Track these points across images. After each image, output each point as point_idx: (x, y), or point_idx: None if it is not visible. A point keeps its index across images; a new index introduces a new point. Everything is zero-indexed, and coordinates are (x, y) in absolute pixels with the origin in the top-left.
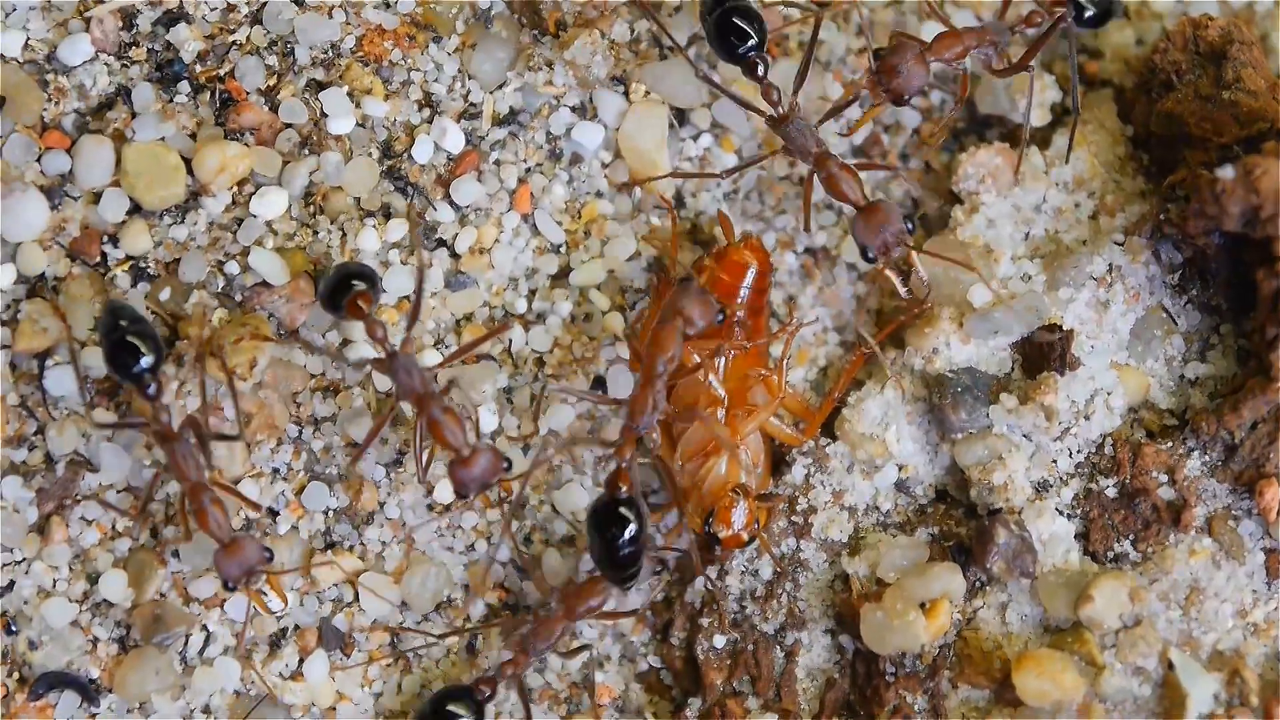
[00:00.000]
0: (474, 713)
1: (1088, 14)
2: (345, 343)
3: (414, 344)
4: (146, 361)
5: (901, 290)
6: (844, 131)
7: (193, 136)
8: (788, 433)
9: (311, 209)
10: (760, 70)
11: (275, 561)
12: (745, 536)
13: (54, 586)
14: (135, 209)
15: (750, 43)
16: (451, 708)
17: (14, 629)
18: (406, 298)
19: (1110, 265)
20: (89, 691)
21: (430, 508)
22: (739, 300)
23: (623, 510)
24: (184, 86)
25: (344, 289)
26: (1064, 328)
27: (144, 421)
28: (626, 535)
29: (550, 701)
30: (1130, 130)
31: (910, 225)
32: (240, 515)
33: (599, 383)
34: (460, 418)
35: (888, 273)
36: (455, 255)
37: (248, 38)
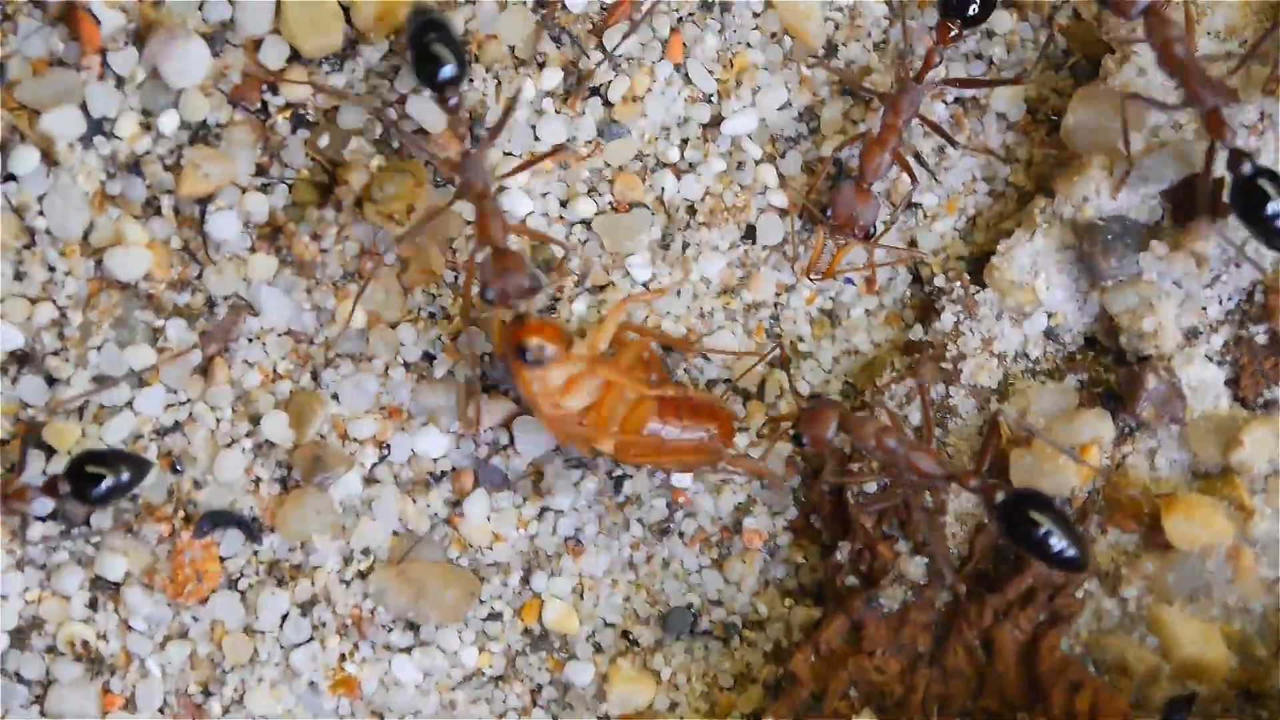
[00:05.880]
0: None
1: None
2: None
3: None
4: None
5: None
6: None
7: None
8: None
9: (467, 57)
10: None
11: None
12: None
13: (217, 427)
14: (294, 56)
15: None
16: None
17: (179, 469)
18: (560, 145)
19: (1261, 113)
20: (251, 530)
21: None
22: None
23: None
24: None
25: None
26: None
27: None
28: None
29: (701, 545)
30: None
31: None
32: None
33: (750, 231)
34: (507, 221)
35: None
36: (608, 104)
37: None
